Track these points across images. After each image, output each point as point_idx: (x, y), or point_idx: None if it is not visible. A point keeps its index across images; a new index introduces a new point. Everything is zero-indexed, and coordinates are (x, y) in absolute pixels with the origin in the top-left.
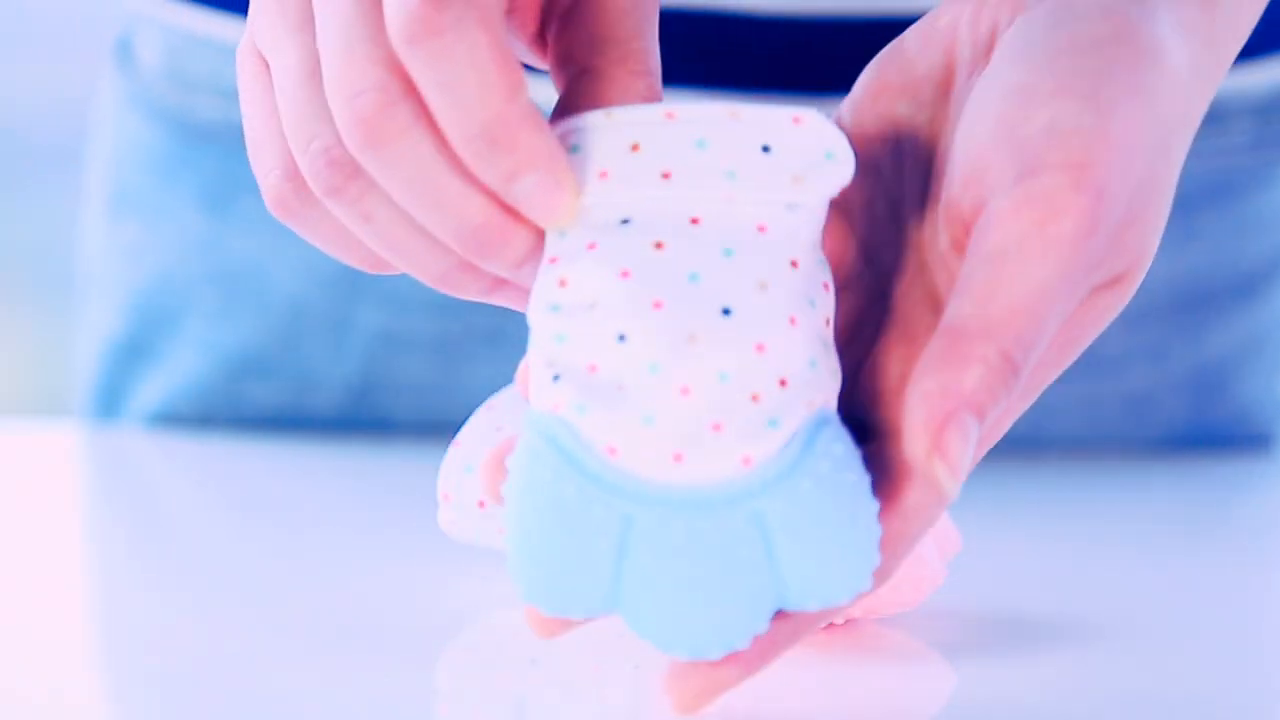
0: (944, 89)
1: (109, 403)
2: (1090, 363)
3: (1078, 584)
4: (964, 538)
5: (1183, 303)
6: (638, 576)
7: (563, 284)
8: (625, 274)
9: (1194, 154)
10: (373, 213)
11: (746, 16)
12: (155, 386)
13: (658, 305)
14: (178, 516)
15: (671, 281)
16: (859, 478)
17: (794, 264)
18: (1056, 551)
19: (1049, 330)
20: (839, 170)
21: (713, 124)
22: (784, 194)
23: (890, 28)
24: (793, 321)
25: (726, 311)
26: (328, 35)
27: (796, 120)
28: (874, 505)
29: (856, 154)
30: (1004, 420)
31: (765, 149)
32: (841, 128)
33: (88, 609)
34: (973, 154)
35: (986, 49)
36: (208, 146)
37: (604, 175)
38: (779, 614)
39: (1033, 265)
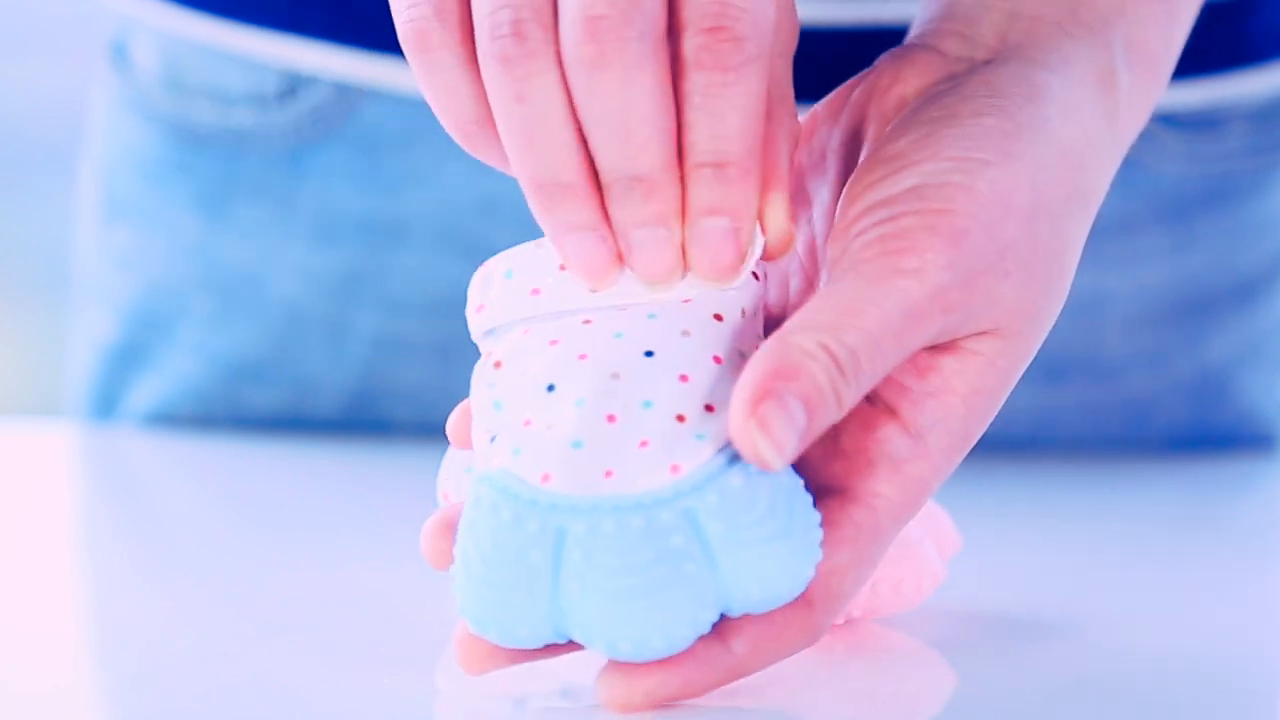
0: (851, 165)
1: (104, 408)
2: (1090, 367)
3: (1078, 584)
4: (964, 538)
5: (1182, 307)
6: (574, 579)
7: (498, 365)
8: (554, 342)
9: (1191, 159)
10: (529, 96)
11: None
12: (151, 392)
13: (583, 357)
14: (175, 517)
15: (597, 340)
16: (792, 478)
17: (717, 318)
18: (1057, 551)
19: (882, 345)
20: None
21: None
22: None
23: (876, 37)
24: (716, 359)
25: (649, 354)
26: None
27: None
28: (813, 510)
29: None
30: (932, 480)
31: None
32: None
33: (83, 609)
34: (846, 212)
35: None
36: (204, 151)
37: (535, 292)
38: (731, 640)
39: (866, 284)
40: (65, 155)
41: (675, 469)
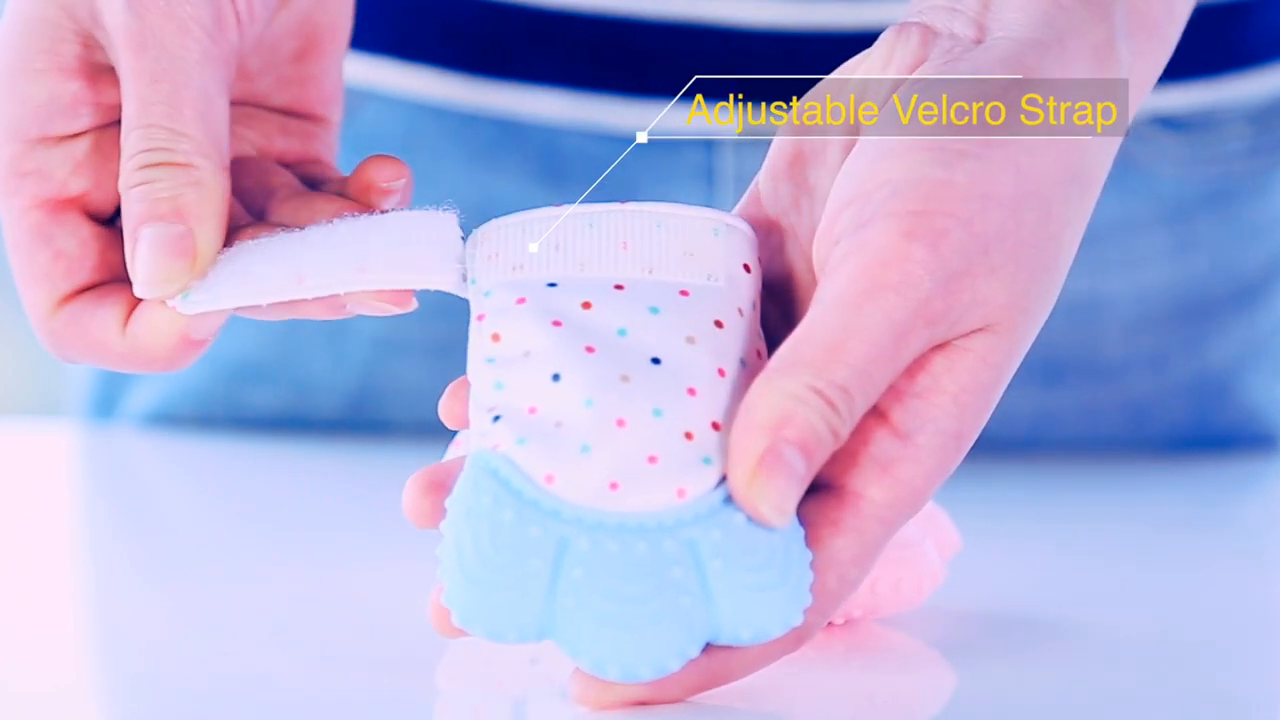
0: (849, 151)
1: (104, 408)
2: (1091, 369)
3: (1078, 584)
4: (964, 538)
5: (1183, 310)
6: (571, 596)
7: (496, 338)
8: (556, 324)
9: (1191, 162)
10: None
11: (728, 30)
12: (151, 392)
13: (590, 350)
14: (175, 517)
15: (601, 334)
16: (793, 522)
17: (718, 324)
18: (1057, 552)
19: (871, 373)
20: (733, 241)
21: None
22: (680, 270)
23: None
24: (721, 373)
25: (656, 361)
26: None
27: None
28: (806, 550)
29: (754, 226)
30: (924, 482)
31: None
32: (759, 197)
33: (83, 609)
34: (828, 212)
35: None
36: None
37: (517, 268)
38: (713, 648)
39: (849, 310)
40: None
41: (681, 493)
